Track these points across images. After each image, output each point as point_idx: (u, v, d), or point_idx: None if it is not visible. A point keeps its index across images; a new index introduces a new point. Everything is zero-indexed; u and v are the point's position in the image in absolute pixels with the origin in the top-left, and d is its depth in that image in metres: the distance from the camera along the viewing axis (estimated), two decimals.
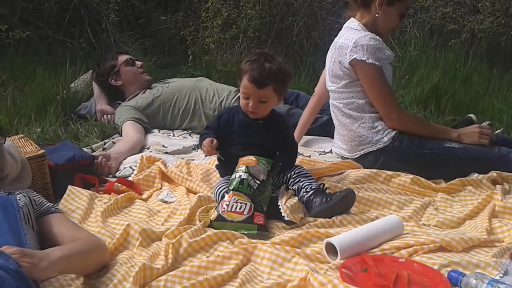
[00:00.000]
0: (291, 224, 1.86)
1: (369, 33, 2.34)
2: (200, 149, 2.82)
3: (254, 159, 1.92)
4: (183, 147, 2.84)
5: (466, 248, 1.69)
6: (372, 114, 2.39)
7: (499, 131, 2.82)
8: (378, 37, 2.33)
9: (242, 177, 1.86)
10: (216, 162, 2.24)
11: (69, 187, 2.08)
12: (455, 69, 4.03)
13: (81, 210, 1.96)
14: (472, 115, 2.96)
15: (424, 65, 3.98)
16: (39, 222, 1.62)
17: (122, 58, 3.36)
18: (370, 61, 2.29)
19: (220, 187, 1.99)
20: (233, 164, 1.96)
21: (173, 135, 3.10)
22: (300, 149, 2.69)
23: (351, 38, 2.33)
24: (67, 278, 1.51)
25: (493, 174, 2.28)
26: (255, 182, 1.86)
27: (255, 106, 2.01)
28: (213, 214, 1.84)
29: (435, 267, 1.54)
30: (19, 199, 1.59)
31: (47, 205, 1.69)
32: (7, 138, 1.99)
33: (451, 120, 3.26)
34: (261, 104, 2.02)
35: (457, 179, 2.26)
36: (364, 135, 2.40)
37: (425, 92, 3.59)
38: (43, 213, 1.64)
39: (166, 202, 2.12)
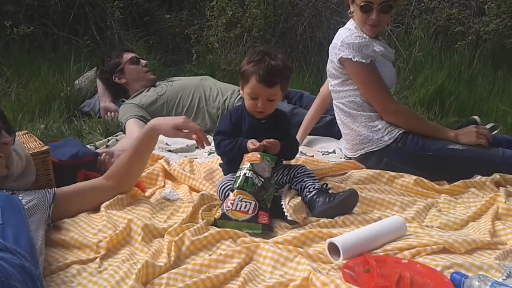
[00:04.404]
0: (293, 224, 1.86)
1: (356, 31, 2.36)
2: (202, 149, 2.83)
3: (258, 156, 1.92)
4: (186, 145, 2.85)
5: (469, 250, 1.69)
6: (371, 113, 2.40)
7: (496, 131, 2.81)
8: (365, 35, 2.35)
9: (246, 175, 1.86)
10: (220, 161, 2.24)
11: None
12: (460, 70, 4.02)
13: None
14: (476, 117, 2.95)
15: (429, 67, 3.97)
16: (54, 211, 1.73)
17: (127, 56, 3.36)
18: (356, 59, 2.30)
19: (224, 184, 1.99)
20: (238, 164, 1.96)
21: None
22: (303, 149, 2.70)
23: (340, 37, 2.37)
24: (69, 274, 1.52)
25: (496, 176, 2.27)
26: (260, 180, 1.86)
27: (264, 105, 2.03)
28: (218, 212, 1.85)
29: (438, 269, 1.54)
30: (21, 198, 1.61)
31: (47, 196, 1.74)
32: None
33: (455, 122, 3.26)
34: (269, 103, 2.04)
35: (461, 180, 2.25)
36: (364, 134, 2.40)
37: (429, 94, 3.58)
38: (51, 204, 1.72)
39: (169, 200, 2.12)
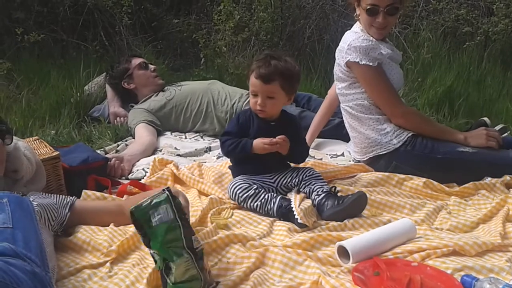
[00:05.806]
0: (303, 227, 1.86)
1: (363, 34, 2.35)
2: (211, 152, 2.85)
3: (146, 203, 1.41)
4: (195, 149, 2.86)
5: (479, 253, 1.68)
6: (379, 116, 2.39)
7: (506, 134, 2.78)
8: (372, 38, 2.34)
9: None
10: (229, 163, 2.25)
11: (83, 191, 2.09)
12: (469, 71, 4.00)
13: None
14: (485, 118, 2.92)
15: (438, 68, 3.95)
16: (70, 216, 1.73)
17: (136, 61, 3.38)
18: (363, 62, 2.30)
19: (237, 186, 2.00)
20: (246, 165, 1.97)
21: (185, 138, 3.11)
22: (311, 152, 2.69)
23: (347, 40, 2.37)
24: (80, 279, 1.53)
25: (507, 178, 2.26)
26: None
27: (263, 102, 2.03)
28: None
29: (448, 272, 1.53)
30: (32, 200, 1.62)
31: (65, 200, 1.75)
32: (22, 140, 2.02)
33: (465, 123, 3.24)
34: (268, 101, 2.03)
35: (471, 182, 2.24)
36: (373, 137, 2.39)
37: (438, 95, 3.56)
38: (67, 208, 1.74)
39: None
